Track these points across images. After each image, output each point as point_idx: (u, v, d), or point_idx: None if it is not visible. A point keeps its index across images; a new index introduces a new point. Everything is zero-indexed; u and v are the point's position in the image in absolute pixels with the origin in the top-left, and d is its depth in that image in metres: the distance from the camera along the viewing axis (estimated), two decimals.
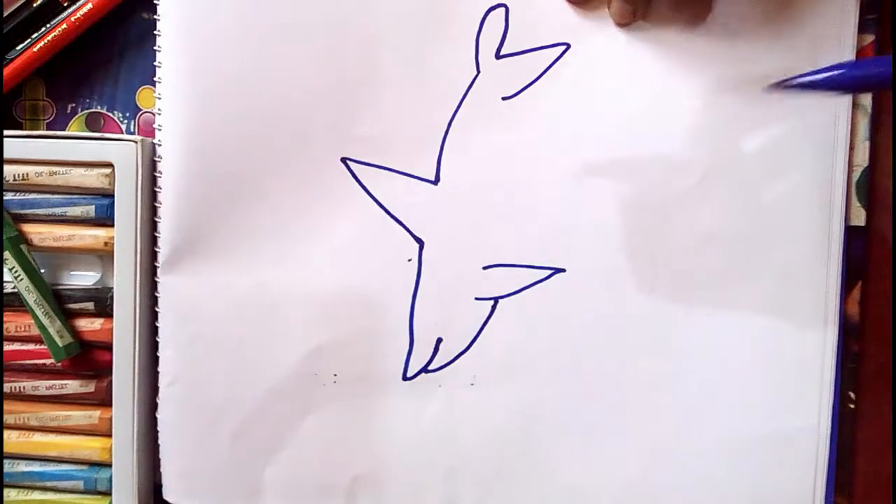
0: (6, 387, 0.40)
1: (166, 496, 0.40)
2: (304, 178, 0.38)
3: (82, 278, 0.41)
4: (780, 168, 0.36)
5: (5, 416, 0.40)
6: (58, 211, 0.39)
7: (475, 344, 0.38)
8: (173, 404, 0.40)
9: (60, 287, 0.40)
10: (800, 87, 0.30)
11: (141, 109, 0.41)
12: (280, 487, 0.40)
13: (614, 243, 0.37)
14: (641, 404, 0.38)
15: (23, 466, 0.41)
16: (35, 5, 0.39)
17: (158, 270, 0.39)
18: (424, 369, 0.39)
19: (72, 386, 0.40)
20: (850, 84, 0.28)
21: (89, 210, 0.39)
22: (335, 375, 0.39)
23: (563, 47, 0.37)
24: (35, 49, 0.39)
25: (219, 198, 0.38)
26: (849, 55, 0.36)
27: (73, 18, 0.39)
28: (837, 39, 0.35)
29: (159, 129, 0.38)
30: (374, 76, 0.37)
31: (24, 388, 0.40)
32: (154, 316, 0.39)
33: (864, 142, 0.37)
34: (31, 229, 0.39)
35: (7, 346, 0.40)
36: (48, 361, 0.40)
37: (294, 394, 0.39)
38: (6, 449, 0.41)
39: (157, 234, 0.39)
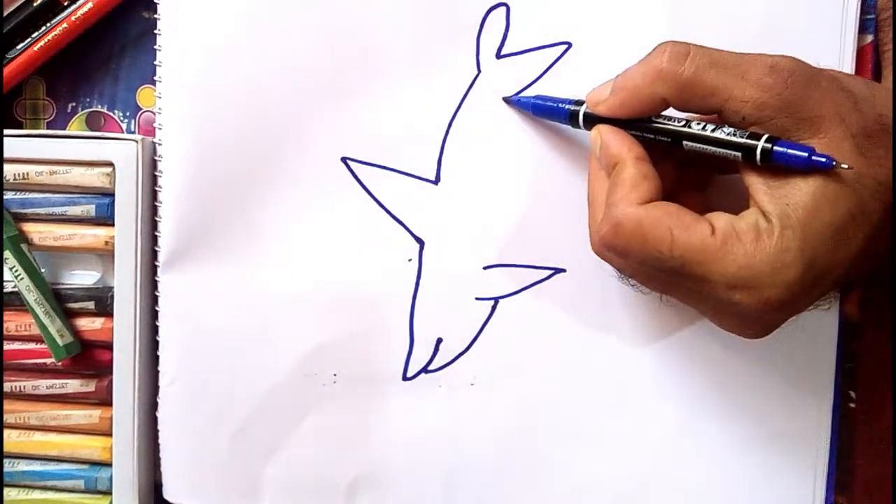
0: (6, 386, 0.40)
1: (166, 496, 0.40)
2: (304, 177, 0.38)
3: (83, 278, 0.41)
4: None
5: (5, 416, 0.40)
6: (58, 210, 0.39)
7: (475, 344, 0.38)
8: (173, 404, 0.40)
9: (61, 286, 0.40)
10: None
11: (141, 108, 0.41)
12: (280, 487, 0.40)
13: None
14: (642, 404, 0.38)
15: (23, 466, 0.41)
16: (35, 5, 0.39)
17: (159, 270, 0.39)
18: (424, 369, 0.39)
19: (72, 385, 0.40)
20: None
21: (89, 209, 0.39)
22: (335, 375, 0.39)
23: (565, 46, 0.37)
24: (35, 49, 0.39)
25: (219, 197, 0.38)
26: (849, 54, 0.35)
27: (73, 18, 0.39)
28: (838, 39, 0.35)
29: (160, 129, 0.38)
30: (375, 76, 0.37)
31: (24, 387, 0.40)
32: (154, 316, 0.39)
33: None
34: (31, 228, 0.39)
35: (7, 346, 0.40)
36: (48, 361, 0.40)
37: (294, 394, 0.39)
38: (6, 448, 0.40)
39: (157, 234, 0.39)
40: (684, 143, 0.30)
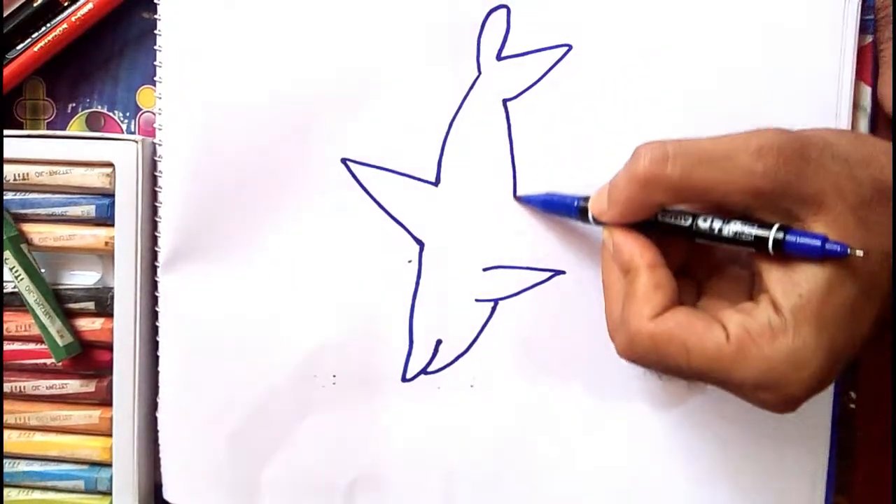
0: (6, 386, 0.40)
1: (166, 496, 0.40)
2: (304, 178, 0.38)
3: (83, 278, 0.41)
4: None
5: (6, 416, 0.40)
6: (58, 211, 0.39)
7: (475, 346, 0.38)
8: (173, 404, 0.40)
9: (61, 287, 0.40)
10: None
11: (141, 109, 0.41)
12: (279, 488, 0.40)
13: None
14: (641, 404, 0.38)
15: (23, 466, 0.41)
16: (35, 5, 0.39)
17: (159, 270, 0.39)
18: (424, 371, 0.39)
19: (72, 386, 0.40)
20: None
21: (89, 210, 0.39)
22: (334, 376, 0.39)
23: (565, 48, 0.37)
24: (35, 49, 0.39)
25: (219, 198, 0.38)
26: (849, 54, 0.35)
27: (73, 18, 0.39)
28: (838, 39, 0.35)
29: (160, 129, 0.38)
30: (375, 77, 0.37)
31: (24, 387, 0.41)
32: (154, 316, 0.39)
33: None
34: (31, 229, 0.39)
35: (7, 346, 0.40)
36: (48, 361, 0.40)
37: (293, 394, 0.39)
38: (7, 449, 0.41)
39: (157, 234, 0.39)
40: (696, 239, 0.30)
